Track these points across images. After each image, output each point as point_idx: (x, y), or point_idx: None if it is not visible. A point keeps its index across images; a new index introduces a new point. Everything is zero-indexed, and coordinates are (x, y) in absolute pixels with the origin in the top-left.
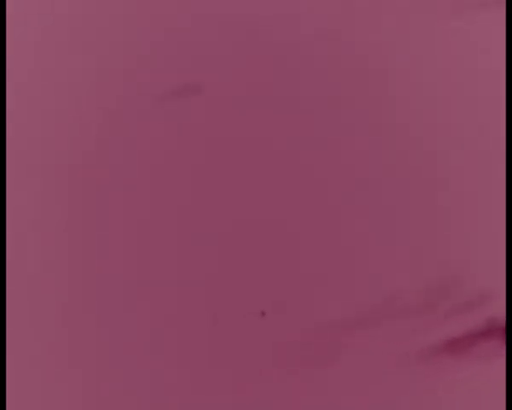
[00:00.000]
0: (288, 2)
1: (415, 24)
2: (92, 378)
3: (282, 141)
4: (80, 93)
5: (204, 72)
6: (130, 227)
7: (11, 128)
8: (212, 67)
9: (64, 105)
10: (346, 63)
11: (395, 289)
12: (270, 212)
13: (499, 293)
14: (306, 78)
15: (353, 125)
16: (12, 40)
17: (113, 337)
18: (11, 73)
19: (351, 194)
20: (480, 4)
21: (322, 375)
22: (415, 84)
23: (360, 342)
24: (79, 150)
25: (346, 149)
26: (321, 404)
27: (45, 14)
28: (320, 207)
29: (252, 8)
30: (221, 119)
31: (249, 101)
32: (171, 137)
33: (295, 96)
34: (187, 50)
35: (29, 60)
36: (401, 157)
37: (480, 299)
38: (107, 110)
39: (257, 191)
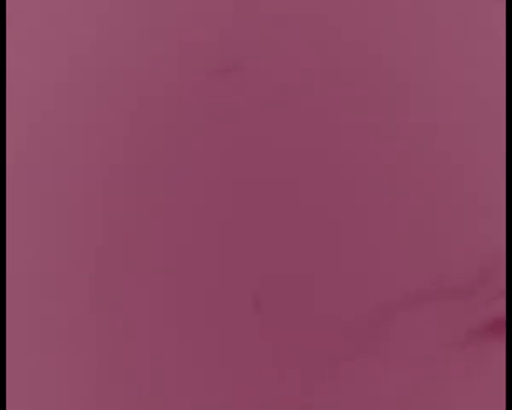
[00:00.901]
0: None
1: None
2: (92, 375)
3: (318, 119)
4: (116, 75)
5: (245, 50)
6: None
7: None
8: (253, 45)
9: (97, 88)
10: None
11: (439, 272)
12: (300, 192)
13: None
14: (341, 57)
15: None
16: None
17: (112, 337)
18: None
19: (398, 174)
20: None
21: (365, 358)
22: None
23: (402, 325)
24: (114, 134)
25: (377, 125)
26: (364, 390)
27: None
28: (358, 190)
29: None
30: (261, 95)
31: (289, 78)
32: (212, 114)
33: (333, 74)
34: (228, 30)
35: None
36: (450, 145)
37: None
38: (147, 91)
39: (290, 170)
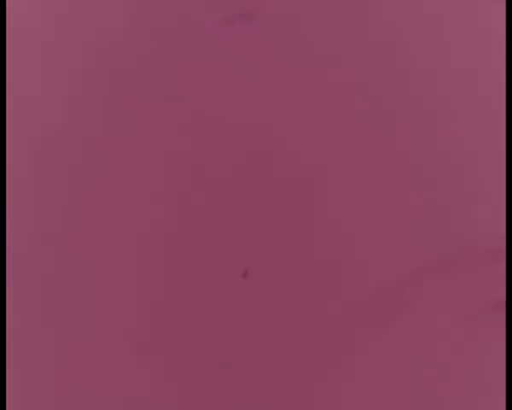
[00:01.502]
0: None
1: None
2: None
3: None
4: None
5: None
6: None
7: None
8: None
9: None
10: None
11: (462, 242)
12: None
13: None
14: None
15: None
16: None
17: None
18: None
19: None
20: None
21: (390, 324)
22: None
23: (425, 294)
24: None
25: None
26: (382, 362)
27: None
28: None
29: None
30: (271, 46)
31: (298, 29)
32: (221, 65)
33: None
34: None
35: None
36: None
37: None
38: (151, 40)
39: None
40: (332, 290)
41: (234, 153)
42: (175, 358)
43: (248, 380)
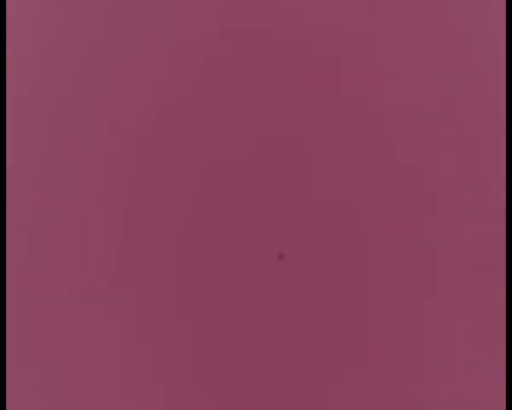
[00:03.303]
0: None
1: None
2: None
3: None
4: None
5: None
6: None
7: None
8: None
9: None
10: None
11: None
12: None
13: None
14: None
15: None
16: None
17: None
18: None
19: None
20: None
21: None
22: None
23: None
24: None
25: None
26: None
27: None
28: None
29: None
30: None
31: None
32: None
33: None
34: None
35: None
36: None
37: None
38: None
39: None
40: (361, 279)
41: (270, 137)
42: (211, 341)
43: (283, 363)
